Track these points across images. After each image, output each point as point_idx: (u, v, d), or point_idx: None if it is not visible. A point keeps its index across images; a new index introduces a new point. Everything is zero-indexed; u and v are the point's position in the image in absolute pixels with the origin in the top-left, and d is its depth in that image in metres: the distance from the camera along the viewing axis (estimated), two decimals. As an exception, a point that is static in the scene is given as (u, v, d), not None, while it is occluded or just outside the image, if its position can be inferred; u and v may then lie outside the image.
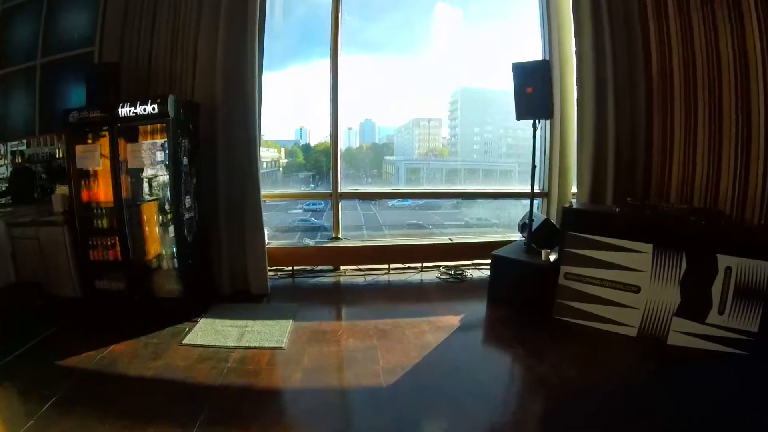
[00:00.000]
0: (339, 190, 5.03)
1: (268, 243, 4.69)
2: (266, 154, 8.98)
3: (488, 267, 4.49)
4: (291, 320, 3.49)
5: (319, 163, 8.97)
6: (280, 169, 9.22)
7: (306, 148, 9.89)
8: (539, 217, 4.05)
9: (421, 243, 5.13)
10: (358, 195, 5.50)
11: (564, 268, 3.55)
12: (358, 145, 11.32)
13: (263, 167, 8.82)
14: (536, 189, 4.51)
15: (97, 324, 3.47)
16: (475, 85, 12.53)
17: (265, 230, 4.65)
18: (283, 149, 9.46)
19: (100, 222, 3.65)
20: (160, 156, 3.41)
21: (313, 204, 8.29)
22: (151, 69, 4.07)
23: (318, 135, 10.25)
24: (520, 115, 3.79)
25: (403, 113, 12.29)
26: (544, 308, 3.58)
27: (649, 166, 4.27)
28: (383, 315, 3.62)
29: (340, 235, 5.05)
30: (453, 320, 3.53)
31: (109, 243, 3.63)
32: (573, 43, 4.38)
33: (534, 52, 5.11)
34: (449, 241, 5.11)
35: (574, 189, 4.86)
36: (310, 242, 4.93)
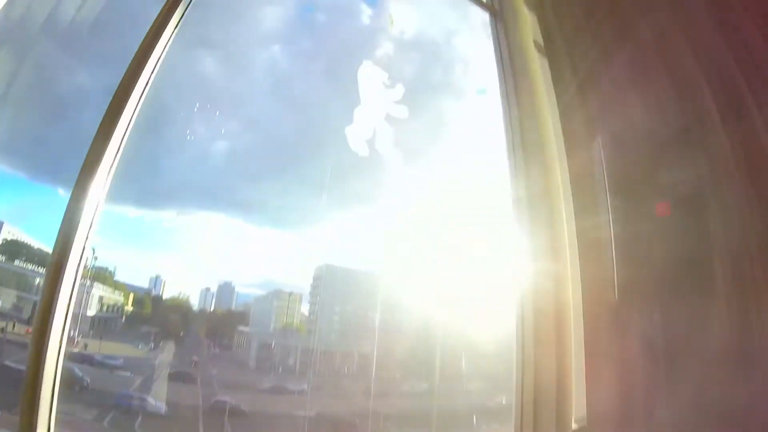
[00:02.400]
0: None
1: None
2: (109, 296, 6.94)
3: None
4: None
5: (167, 320, 7.10)
6: (123, 317, 7.06)
7: (157, 300, 8.01)
8: None
9: None
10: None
11: None
12: (212, 309, 9.95)
13: (100, 309, 6.60)
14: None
15: None
16: (341, 263, 12.75)
17: None
18: (132, 294, 7.49)
19: None
20: None
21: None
22: None
23: (175, 288, 9.00)
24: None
25: (264, 282, 11.66)
26: None
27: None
28: None
29: None
30: None
31: None
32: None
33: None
34: None
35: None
36: None
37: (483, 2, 3.49)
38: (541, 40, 3.14)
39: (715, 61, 2.09)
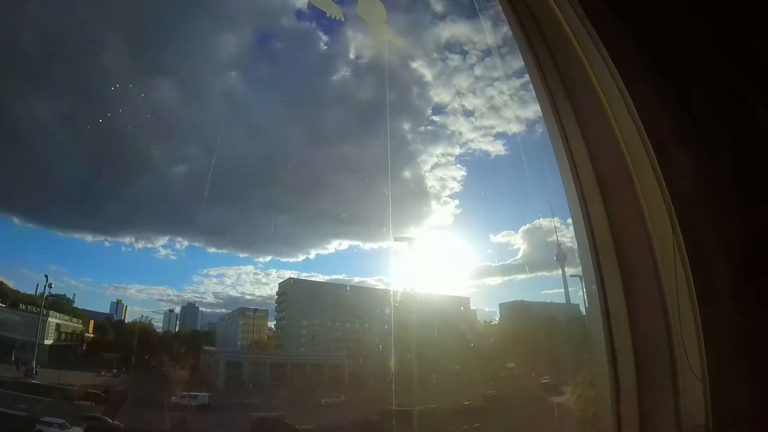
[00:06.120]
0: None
1: None
2: (67, 323, 6.96)
3: None
4: None
5: (128, 346, 7.10)
6: (84, 344, 7.19)
7: (119, 325, 8.06)
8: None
9: None
10: None
11: None
12: (177, 330, 9.99)
13: (58, 337, 6.67)
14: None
15: None
16: (307, 276, 12.74)
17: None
18: (92, 322, 7.56)
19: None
20: None
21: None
22: None
23: (137, 312, 9.00)
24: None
25: (229, 301, 11.69)
26: None
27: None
28: None
29: None
30: None
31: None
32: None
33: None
34: None
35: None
36: None
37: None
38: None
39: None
